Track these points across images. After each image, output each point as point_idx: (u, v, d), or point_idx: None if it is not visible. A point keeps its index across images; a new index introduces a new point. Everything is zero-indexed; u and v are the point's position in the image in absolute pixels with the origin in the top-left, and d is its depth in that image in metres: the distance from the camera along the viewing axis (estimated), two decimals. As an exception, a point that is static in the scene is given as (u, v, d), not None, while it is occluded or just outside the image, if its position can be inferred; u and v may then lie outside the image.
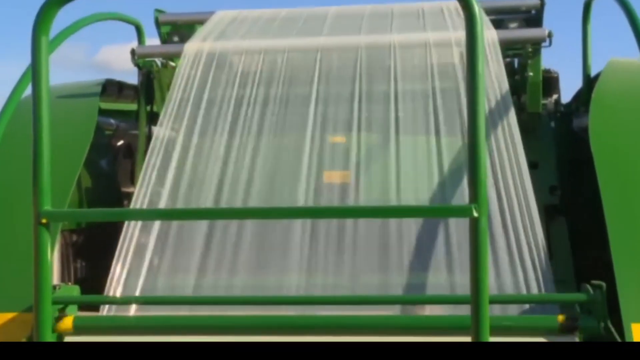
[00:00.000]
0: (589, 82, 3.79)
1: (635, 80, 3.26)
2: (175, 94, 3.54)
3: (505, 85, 3.33)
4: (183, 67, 3.63)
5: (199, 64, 3.66)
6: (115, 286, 3.11)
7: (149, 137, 4.01)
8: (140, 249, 3.17)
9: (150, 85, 3.94)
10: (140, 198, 3.25)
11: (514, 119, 3.23)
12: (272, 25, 3.97)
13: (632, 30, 2.95)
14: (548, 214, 3.59)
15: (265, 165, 3.41)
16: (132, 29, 4.26)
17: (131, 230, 3.18)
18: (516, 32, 3.69)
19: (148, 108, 4.00)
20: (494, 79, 3.33)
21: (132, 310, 3.08)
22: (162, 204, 3.23)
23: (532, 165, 3.68)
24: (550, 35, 3.55)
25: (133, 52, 3.86)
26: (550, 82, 3.77)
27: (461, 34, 3.38)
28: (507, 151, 3.16)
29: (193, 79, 3.61)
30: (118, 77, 4.24)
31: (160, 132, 3.48)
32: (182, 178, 3.36)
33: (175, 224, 3.17)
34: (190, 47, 3.72)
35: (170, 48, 4.05)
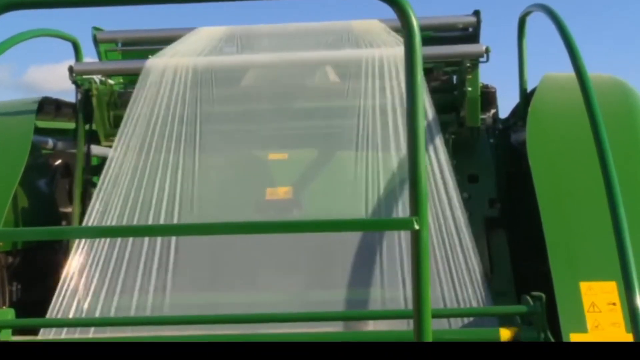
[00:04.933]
0: (526, 96, 3.86)
1: (569, 95, 3.33)
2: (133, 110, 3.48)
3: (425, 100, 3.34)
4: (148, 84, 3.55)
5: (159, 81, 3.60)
6: (58, 308, 3.03)
7: (87, 156, 3.94)
8: (87, 270, 3.09)
9: (88, 103, 3.86)
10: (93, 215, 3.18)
11: (439, 136, 3.26)
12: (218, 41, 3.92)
13: (564, 44, 3.02)
14: (488, 226, 3.63)
15: (208, 183, 3.38)
16: (62, 48, 4.19)
17: (79, 251, 3.09)
18: (454, 48, 3.75)
19: (87, 127, 3.93)
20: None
21: (77, 333, 3.02)
22: (110, 223, 3.17)
23: (472, 179, 3.74)
24: (487, 50, 3.62)
25: (71, 69, 3.79)
26: (488, 97, 3.85)
27: (392, 51, 3.44)
28: (435, 167, 3.19)
29: (144, 95, 3.54)
30: (50, 98, 4.15)
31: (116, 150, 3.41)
32: (127, 196, 3.29)
33: (120, 244, 3.10)
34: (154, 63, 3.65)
35: (109, 65, 3.99)
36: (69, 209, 4.00)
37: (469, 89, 3.63)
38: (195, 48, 3.82)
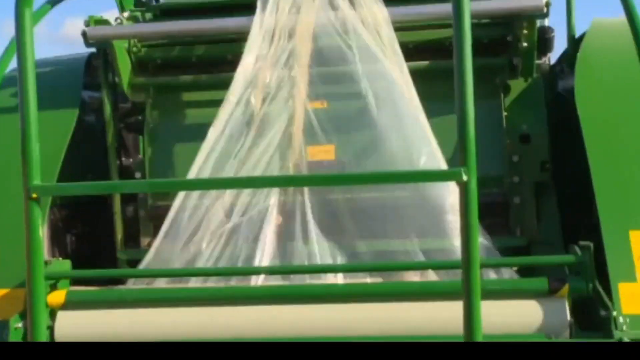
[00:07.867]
0: (574, 42, 3.78)
1: (620, 40, 3.25)
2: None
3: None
4: None
5: None
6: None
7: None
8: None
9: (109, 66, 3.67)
10: None
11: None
12: None
13: None
14: (538, 191, 3.48)
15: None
16: None
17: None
18: (507, 2, 3.34)
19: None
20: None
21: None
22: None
23: (524, 139, 3.46)
24: (547, 4, 3.22)
25: (85, 34, 3.45)
26: (545, 42, 3.49)
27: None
28: None
29: None
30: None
31: None
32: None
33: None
34: None
35: (129, 29, 3.68)
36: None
37: (524, 44, 3.32)
38: None
